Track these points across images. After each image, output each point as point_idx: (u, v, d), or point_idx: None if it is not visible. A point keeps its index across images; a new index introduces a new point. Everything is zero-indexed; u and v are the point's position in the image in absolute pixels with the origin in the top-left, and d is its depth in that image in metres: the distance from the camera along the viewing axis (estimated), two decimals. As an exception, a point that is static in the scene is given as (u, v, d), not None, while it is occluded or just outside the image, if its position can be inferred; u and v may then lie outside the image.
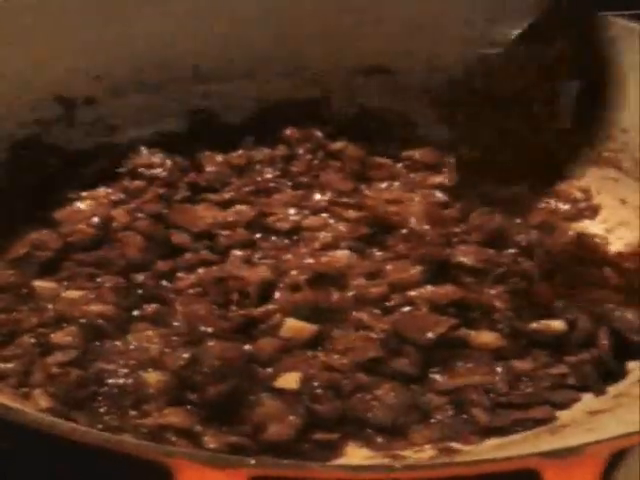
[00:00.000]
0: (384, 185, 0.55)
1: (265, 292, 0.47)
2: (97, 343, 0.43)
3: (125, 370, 0.41)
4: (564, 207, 0.55)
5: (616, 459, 0.39)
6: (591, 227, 0.55)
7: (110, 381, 0.41)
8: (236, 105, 0.59)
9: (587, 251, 0.52)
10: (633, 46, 0.56)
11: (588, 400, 0.43)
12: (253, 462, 0.30)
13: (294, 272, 0.47)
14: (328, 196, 0.53)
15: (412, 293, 0.46)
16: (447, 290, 0.46)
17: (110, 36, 0.57)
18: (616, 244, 0.54)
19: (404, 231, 0.51)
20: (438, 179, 0.55)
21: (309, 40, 0.60)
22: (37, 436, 0.41)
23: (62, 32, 0.56)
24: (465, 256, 0.49)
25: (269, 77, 0.60)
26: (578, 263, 0.51)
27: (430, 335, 0.44)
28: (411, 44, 0.60)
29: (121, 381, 0.41)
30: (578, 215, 0.55)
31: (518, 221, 0.53)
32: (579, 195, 0.56)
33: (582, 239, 0.54)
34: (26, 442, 0.46)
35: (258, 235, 0.50)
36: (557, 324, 0.45)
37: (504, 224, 0.52)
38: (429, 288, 0.47)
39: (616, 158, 0.57)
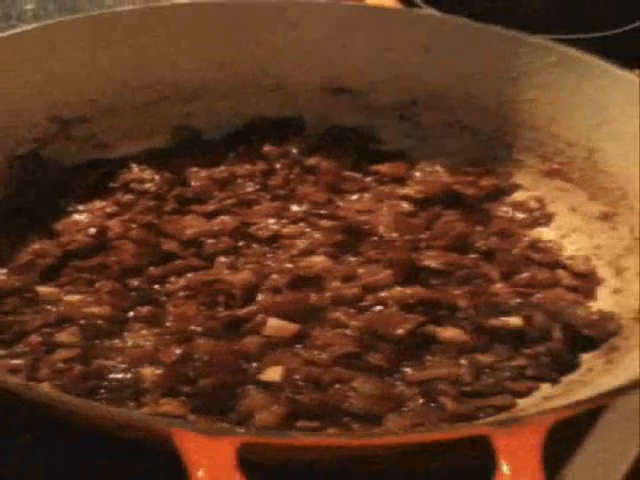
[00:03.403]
0: (355, 197, 0.58)
1: (249, 294, 0.50)
2: (97, 341, 0.46)
3: (123, 365, 0.44)
4: (521, 216, 0.58)
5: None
6: (545, 234, 0.58)
7: (110, 376, 0.44)
8: (217, 124, 0.62)
9: (542, 255, 0.55)
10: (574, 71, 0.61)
11: (545, 388, 0.46)
12: (242, 431, 0.35)
13: (275, 276, 0.50)
14: (304, 207, 0.56)
15: (383, 294, 0.50)
16: (415, 290, 0.50)
17: (102, 63, 0.60)
18: (568, 248, 0.57)
19: (374, 238, 0.54)
20: (404, 191, 0.58)
21: (283, 63, 0.63)
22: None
23: (58, 60, 0.59)
24: (431, 260, 0.52)
25: (246, 98, 0.63)
26: (533, 266, 0.54)
27: (400, 331, 0.47)
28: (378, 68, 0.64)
29: (120, 375, 0.44)
30: (534, 223, 0.58)
31: (479, 229, 0.56)
32: (534, 204, 0.59)
33: (537, 244, 0.56)
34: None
35: (241, 243, 0.53)
36: (515, 320, 0.49)
37: (467, 231, 0.55)
38: (398, 289, 0.50)
39: (565, 170, 0.60)
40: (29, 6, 0.78)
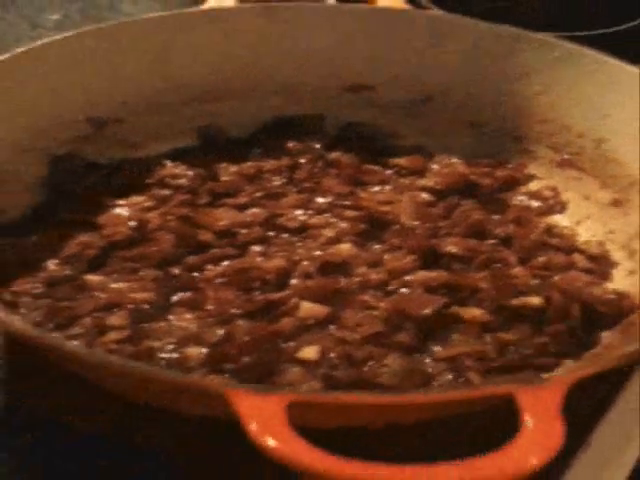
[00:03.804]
0: (376, 189, 0.60)
1: (282, 280, 0.52)
2: (144, 325, 0.48)
3: (170, 346, 0.47)
4: (536, 204, 0.61)
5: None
6: (560, 221, 0.60)
7: (159, 355, 0.46)
8: (241, 123, 0.65)
9: (557, 240, 0.58)
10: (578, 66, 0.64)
11: (567, 364, 0.48)
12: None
13: (305, 263, 0.53)
14: (329, 199, 0.59)
15: (408, 278, 0.52)
16: (438, 274, 0.52)
17: (130, 68, 0.64)
18: (583, 235, 0.59)
19: (397, 227, 0.56)
20: (423, 182, 0.61)
21: (302, 65, 0.66)
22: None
23: (92, 66, 0.63)
24: (451, 246, 0.55)
25: (268, 97, 0.66)
26: (550, 250, 0.57)
27: (426, 311, 0.49)
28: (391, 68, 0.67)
29: (168, 355, 0.46)
30: (548, 210, 0.61)
31: (496, 217, 0.58)
32: (548, 193, 0.62)
33: (552, 230, 0.59)
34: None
35: (271, 233, 0.56)
36: (534, 300, 0.51)
37: (484, 219, 0.58)
38: (422, 273, 0.52)
39: (576, 160, 0.63)
40: (54, 16, 0.80)
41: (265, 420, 0.34)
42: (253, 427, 0.34)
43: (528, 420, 0.36)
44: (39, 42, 0.61)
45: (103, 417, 0.51)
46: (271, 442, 0.34)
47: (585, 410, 0.48)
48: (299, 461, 0.33)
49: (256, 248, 0.55)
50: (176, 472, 0.49)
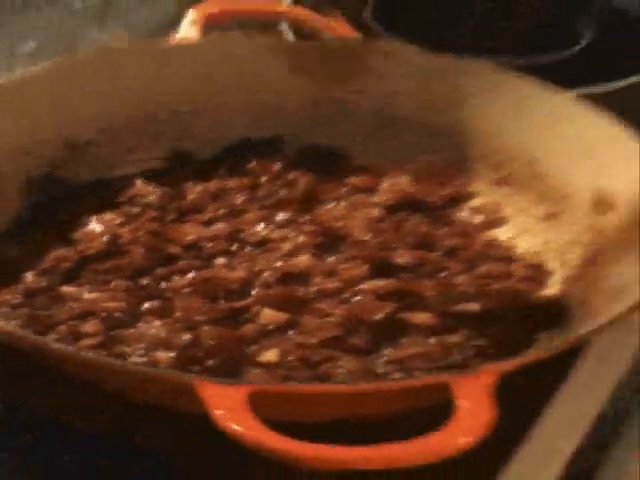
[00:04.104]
0: (332, 205, 0.63)
1: (244, 289, 0.55)
2: (116, 331, 0.51)
3: (141, 351, 0.50)
4: (478, 219, 0.64)
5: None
6: (501, 234, 0.64)
7: (130, 359, 0.49)
8: (207, 145, 0.68)
9: (497, 252, 0.61)
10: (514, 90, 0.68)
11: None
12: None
13: (266, 273, 0.56)
14: (288, 215, 0.62)
15: (361, 286, 0.55)
16: (388, 283, 0.55)
17: (105, 96, 0.67)
18: (521, 246, 0.63)
19: (350, 240, 0.59)
20: (374, 199, 0.63)
21: (263, 93, 0.69)
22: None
23: (69, 94, 0.65)
24: (400, 257, 0.58)
25: (232, 122, 0.69)
26: (490, 261, 0.60)
27: (378, 316, 0.53)
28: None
29: (138, 359, 0.49)
30: (490, 225, 0.64)
31: (441, 230, 0.62)
32: (489, 209, 0.65)
33: (493, 243, 0.62)
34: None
35: (235, 246, 0.59)
36: (474, 306, 0.55)
37: (431, 232, 0.61)
38: (374, 282, 0.55)
39: (513, 178, 0.66)
40: (32, 44, 0.82)
41: (229, 407, 0.38)
42: (218, 413, 0.37)
43: (460, 405, 0.39)
44: (17, 74, 0.64)
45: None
46: (235, 427, 0.37)
47: (530, 399, 0.53)
48: (259, 443, 0.36)
49: (220, 260, 0.57)
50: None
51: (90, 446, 0.52)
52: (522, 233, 0.65)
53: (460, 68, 0.70)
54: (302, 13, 0.73)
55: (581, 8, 0.94)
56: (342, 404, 0.43)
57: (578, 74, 0.82)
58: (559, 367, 0.56)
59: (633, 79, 0.83)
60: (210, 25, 0.71)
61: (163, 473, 0.51)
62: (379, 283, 0.56)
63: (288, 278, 0.56)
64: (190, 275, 0.56)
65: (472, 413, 0.39)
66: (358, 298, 0.55)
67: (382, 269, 0.57)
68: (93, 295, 0.54)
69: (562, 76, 0.76)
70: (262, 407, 0.39)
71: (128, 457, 0.51)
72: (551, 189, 0.65)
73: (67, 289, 0.55)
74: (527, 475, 0.51)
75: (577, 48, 0.90)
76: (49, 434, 0.52)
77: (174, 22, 0.73)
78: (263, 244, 0.59)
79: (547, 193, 0.65)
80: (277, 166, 0.67)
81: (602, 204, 0.61)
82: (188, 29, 0.70)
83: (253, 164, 0.67)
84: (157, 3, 0.89)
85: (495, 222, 0.65)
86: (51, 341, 0.49)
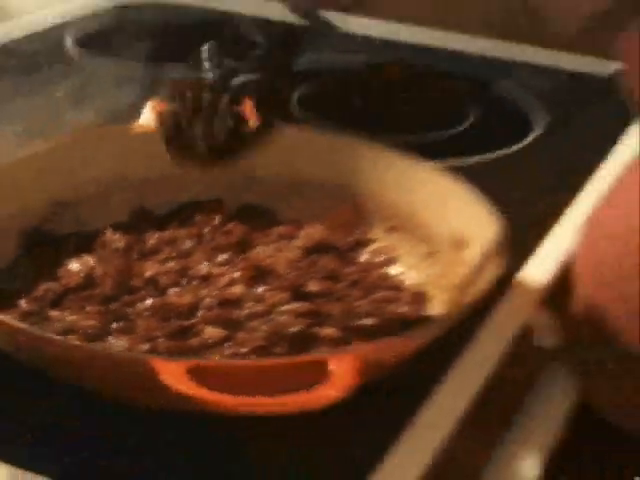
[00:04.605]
0: (261, 248, 0.72)
1: (191, 312, 0.64)
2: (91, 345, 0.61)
3: None
4: (376, 259, 0.73)
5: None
6: (393, 270, 0.73)
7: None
8: (162, 205, 0.77)
9: (390, 283, 0.71)
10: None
11: None
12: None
13: (208, 300, 0.65)
14: (227, 256, 0.70)
15: (282, 309, 0.64)
16: (303, 305, 0.65)
17: (85, 169, 0.76)
18: (409, 279, 0.72)
19: (275, 274, 0.68)
20: (295, 243, 0.72)
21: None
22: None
23: (58, 167, 0.74)
24: (313, 286, 0.67)
25: (181, 187, 0.77)
26: (383, 290, 0.70)
27: (294, 330, 0.62)
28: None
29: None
30: (385, 263, 0.73)
31: (347, 268, 0.71)
32: (384, 251, 0.74)
33: (387, 276, 0.72)
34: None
35: (184, 280, 0.68)
36: (369, 321, 0.65)
37: (338, 268, 0.70)
38: (292, 305, 0.65)
39: (400, 227, 0.75)
40: (19, 127, 0.87)
41: (173, 374, 0.49)
42: (165, 378, 0.48)
43: (332, 372, 0.50)
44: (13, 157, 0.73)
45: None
46: (177, 387, 0.48)
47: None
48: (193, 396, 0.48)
49: (173, 290, 0.67)
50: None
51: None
52: (409, 269, 0.73)
53: (356, 146, 0.78)
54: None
55: (467, 93, 1.05)
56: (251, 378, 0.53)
57: (458, 149, 0.92)
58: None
59: (497, 153, 0.93)
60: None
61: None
62: (296, 305, 0.65)
63: (226, 303, 0.65)
64: (149, 302, 0.65)
65: (339, 379, 0.50)
66: (280, 317, 0.64)
67: (299, 295, 0.66)
68: (73, 317, 0.63)
69: (443, 150, 0.88)
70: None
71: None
72: (427, 235, 0.74)
73: (53, 313, 0.64)
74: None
75: (463, 127, 0.99)
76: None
77: (137, 109, 0.79)
78: (206, 278, 0.68)
79: (425, 238, 0.74)
80: (218, 219, 0.75)
81: (460, 244, 0.71)
82: (147, 116, 0.77)
83: (199, 218, 0.75)
84: (123, 94, 0.95)
85: (389, 261, 0.74)
86: (25, 325, 0.59)
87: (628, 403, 0.74)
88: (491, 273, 0.63)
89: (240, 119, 0.77)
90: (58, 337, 0.58)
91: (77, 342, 0.59)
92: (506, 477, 0.70)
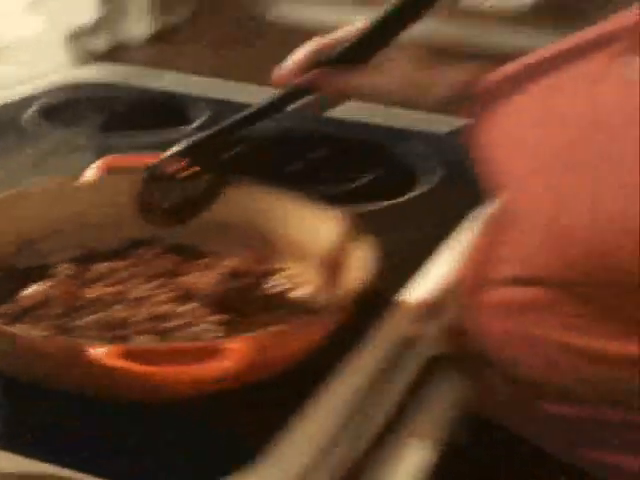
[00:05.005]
0: (189, 276, 0.83)
1: (127, 324, 0.74)
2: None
3: None
4: (281, 283, 0.85)
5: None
6: (295, 292, 0.84)
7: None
8: (104, 244, 0.88)
9: (290, 301, 0.83)
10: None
11: None
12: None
13: (142, 315, 0.75)
14: (159, 282, 0.82)
15: (203, 320, 0.76)
16: (222, 317, 0.77)
17: (43, 215, 0.86)
18: (307, 297, 0.83)
19: (199, 295, 0.80)
20: (216, 272, 0.83)
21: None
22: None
23: (21, 214, 0.85)
24: (230, 303, 0.79)
25: (124, 228, 0.88)
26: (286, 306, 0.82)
27: (212, 335, 0.74)
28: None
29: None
30: (288, 286, 0.84)
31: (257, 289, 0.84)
32: (287, 277, 0.86)
33: (289, 296, 0.83)
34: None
35: (123, 300, 0.78)
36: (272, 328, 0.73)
37: (249, 290, 0.82)
38: (213, 317, 0.77)
39: (300, 258, 0.86)
40: None
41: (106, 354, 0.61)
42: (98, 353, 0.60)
43: (224, 356, 0.61)
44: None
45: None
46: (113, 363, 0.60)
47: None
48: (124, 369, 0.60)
49: (115, 307, 0.78)
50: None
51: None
52: (308, 289, 0.85)
53: (267, 195, 0.89)
54: (144, 159, 0.86)
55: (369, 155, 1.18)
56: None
57: (360, 198, 1.04)
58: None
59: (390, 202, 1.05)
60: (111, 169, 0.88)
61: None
62: (215, 318, 0.77)
63: (156, 318, 0.76)
64: (92, 317, 0.76)
65: (229, 358, 0.61)
66: (200, 328, 0.75)
67: (218, 311, 0.78)
68: (32, 329, 0.73)
69: (348, 199, 0.99)
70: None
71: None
72: (320, 262, 0.85)
73: (17, 326, 0.74)
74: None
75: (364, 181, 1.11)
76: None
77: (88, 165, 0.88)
78: (141, 299, 0.78)
79: (318, 265, 0.85)
80: (153, 253, 0.87)
81: (330, 266, 0.82)
82: (93, 173, 0.87)
83: (137, 252, 0.87)
84: (76, 157, 1.03)
85: (291, 284, 0.85)
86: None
87: (506, 408, 0.84)
88: (361, 282, 0.75)
89: (194, 185, 0.86)
90: (8, 329, 0.68)
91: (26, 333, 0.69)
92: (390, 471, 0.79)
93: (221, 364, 0.61)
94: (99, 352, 0.61)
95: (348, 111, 1.13)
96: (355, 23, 0.82)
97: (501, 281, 0.79)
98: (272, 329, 0.71)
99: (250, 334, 0.68)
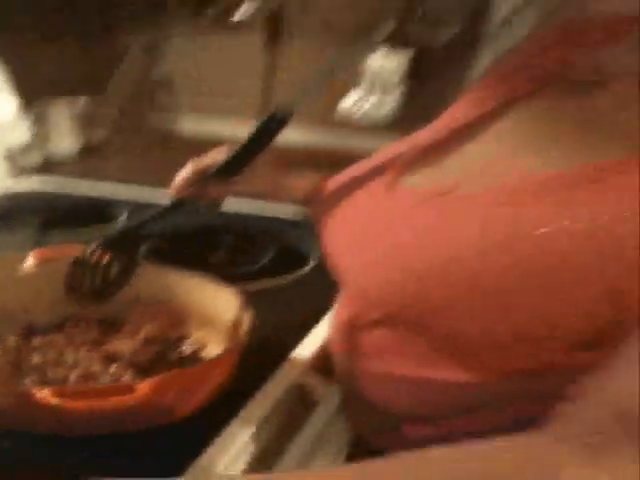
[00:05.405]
0: (114, 342, 0.96)
1: (66, 378, 0.88)
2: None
3: None
4: (191, 346, 0.99)
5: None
6: (202, 353, 0.97)
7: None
8: (49, 316, 1.01)
9: (196, 357, 0.97)
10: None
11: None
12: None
13: (74, 375, 0.89)
14: (87, 347, 0.95)
15: (126, 378, 0.91)
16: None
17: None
18: (207, 354, 0.97)
19: (120, 356, 0.93)
20: (135, 338, 0.96)
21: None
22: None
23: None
24: (150, 364, 0.95)
25: (57, 306, 1.00)
26: (194, 362, 0.95)
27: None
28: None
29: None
30: (196, 348, 0.97)
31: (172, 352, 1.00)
32: (194, 342, 0.99)
33: (197, 355, 0.96)
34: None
35: (58, 366, 0.92)
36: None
37: (165, 353, 0.96)
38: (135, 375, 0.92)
39: (204, 325, 0.99)
40: None
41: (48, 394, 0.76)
42: (45, 395, 0.75)
43: (138, 392, 0.77)
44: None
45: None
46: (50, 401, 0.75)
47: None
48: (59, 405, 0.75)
49: (52, 370, 0.92)
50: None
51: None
52: (209, 348, 0.98)
53: (177, 276, 1.02)
54: (72, 250, 0.96)
55: (264, 241, 1.31)
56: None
57: (258, 277, 1.17)
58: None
59: (284, 279, 1.19)
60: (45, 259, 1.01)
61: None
62: (136, 374, 0.92)
63: (87, 376, 0.90)
64: (36, 377, 0.90)
65: (138, 393, 0.77)
66: (124, 379, 0.91)
67: (139, 370, 0.92)
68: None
69: (248, 278, 1.13)
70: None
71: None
72: (220, 328, 0.98)
73: None
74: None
75: (261, 263, 1.26)
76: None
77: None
78: (76, 362, 0.92)
79: (218, 331, 0.98)
80: (82, 325, 1.01)
81: (228, 331, 0.95)
82: (29, 261, 0.99)
83: (70, 325, 1.02)
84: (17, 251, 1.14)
85: (199, 346, 1.00)
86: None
87: (377, 432, 0.87)
88: (247, 340, 0.90)
89: (110, 270, 0.97)
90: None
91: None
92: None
93: (132, 396, 0.76)
94: (43, 392, 0.77)
95: (248, 207, 1.37)
96: (225, 146, 0.98)
97: (364, 326, 0.85)
98: (172, 372, 0.86)
99: (155, 377, 0.81)
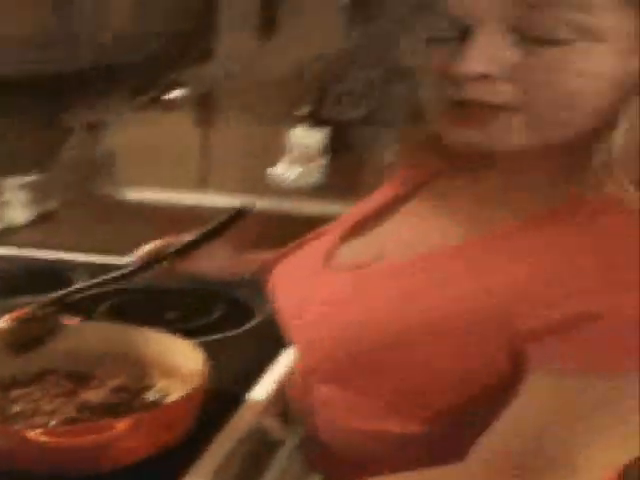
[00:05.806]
0: (85, 393, 1.02)
1: (46, 424, 0.95)
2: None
3: None
4: (155, 394, 1.05)
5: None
6: (166, 399, 1.03)
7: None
8: (24, 370, 1.08)
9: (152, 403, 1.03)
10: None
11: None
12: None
13: (54, 421, 0.96)
14: (63, 399, 1.01)
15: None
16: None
17: None
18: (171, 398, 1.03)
19: (95, 407, 1.00)
20: (105, 388, 1.04)
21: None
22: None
23: None
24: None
25: (38, 359, 1.08)
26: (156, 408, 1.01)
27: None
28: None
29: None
30: (159, 395, 1.04)
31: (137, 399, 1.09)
32: (159, 390, 1.05)
33: (161, 403, 1.02)
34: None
35: (38, 414, 0.97)
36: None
37: (131, 401, 1.03)
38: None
39: (167, 375, 1.07)
40: None
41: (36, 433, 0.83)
42: (35, 435, 0.83)
43: (115, 431, 0.85)
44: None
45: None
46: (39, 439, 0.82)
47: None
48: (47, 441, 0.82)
49: (30, 419, 0.98)
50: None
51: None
52: (171, 394, 1.05)
53: (139, 332, 1.11)
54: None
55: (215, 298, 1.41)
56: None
57: (210, 330, 1.27)
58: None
59: (232, 332, 1.29)
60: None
61: None
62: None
63: (64, 422, 0.96)
64: (17, 426, 0.97)
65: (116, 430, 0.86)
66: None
67: (109, 416, 1.01)
68: None
69: (201, 331, 1.23)
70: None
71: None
72: (182, 377, 1.04)
73: None
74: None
75: (213, 317, 1.34)
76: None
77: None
78: (51, 412, 0.99)
79: (180, 379, 1.04)
80: (56, 378, 1.07)
81: (187, 380, 1.02)
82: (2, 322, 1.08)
83: (45, 378, 1.08)
84: None
85: (162, 393, 1.07)
86: None
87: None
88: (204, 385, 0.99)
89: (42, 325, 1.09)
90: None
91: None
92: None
93: (111, 433, 0.86)
94: (34, 432, 0.85)
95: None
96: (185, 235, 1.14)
97: (316, 379, 0.93)
98: (144, 412, 0.98)
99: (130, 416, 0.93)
